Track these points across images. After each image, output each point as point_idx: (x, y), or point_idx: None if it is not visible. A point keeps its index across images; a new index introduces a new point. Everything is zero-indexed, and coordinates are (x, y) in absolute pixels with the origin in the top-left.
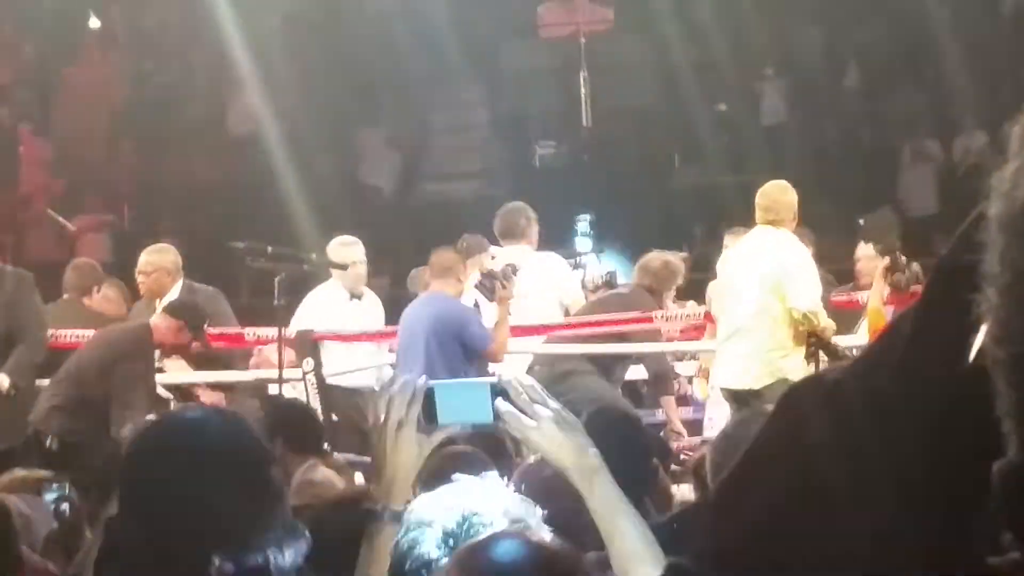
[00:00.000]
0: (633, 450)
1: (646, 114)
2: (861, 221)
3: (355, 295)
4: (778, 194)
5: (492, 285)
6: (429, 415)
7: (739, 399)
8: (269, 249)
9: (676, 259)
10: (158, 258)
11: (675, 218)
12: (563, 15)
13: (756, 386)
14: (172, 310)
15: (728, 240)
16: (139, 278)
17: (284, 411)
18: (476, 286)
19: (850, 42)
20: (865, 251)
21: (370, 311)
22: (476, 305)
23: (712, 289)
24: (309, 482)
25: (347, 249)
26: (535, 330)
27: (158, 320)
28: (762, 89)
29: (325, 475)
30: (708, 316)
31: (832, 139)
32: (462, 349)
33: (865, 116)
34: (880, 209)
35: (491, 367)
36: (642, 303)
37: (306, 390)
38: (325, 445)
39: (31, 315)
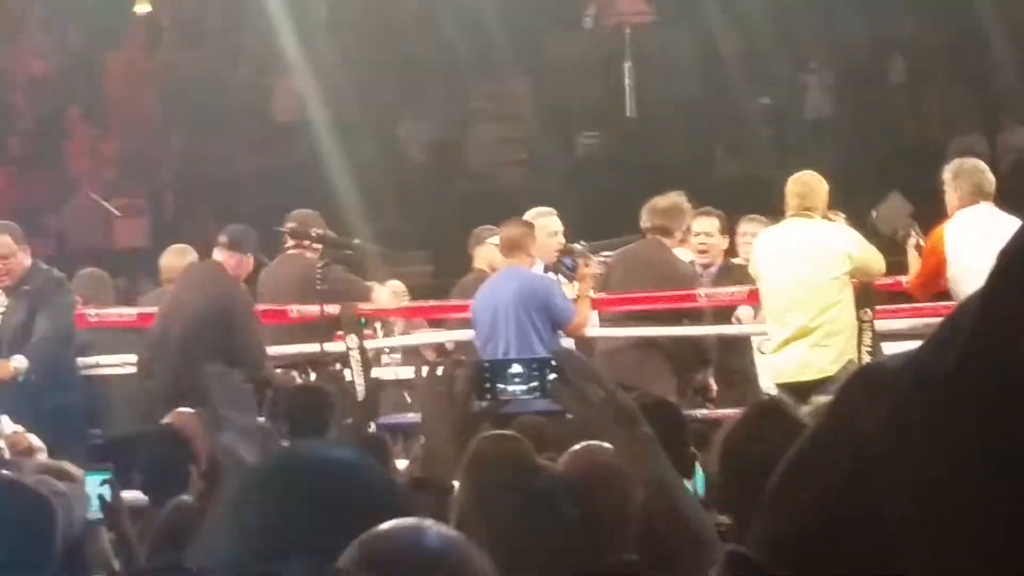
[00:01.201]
0: (674, 438)
1: (689, 105)
2: (874, 214)
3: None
4: (815, 183)
5: (573, 263)
6: (481, 392)
7: (804, 392)
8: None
9: (681, 198)
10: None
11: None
12: (608, 6)
13: (832, 370)
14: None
15: (746, 227)
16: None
17: (289, 395)
18: (552, 266)
19: (895, 36)
20: (705, 226)
21: None
22: None
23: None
24: None
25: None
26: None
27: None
28: (807, 82)
29: None
30: (752, 295)
31: (876, 134)
32: (550, 322)
33: (909, 111)
34: (890, 196)
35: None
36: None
37: (351, 367)
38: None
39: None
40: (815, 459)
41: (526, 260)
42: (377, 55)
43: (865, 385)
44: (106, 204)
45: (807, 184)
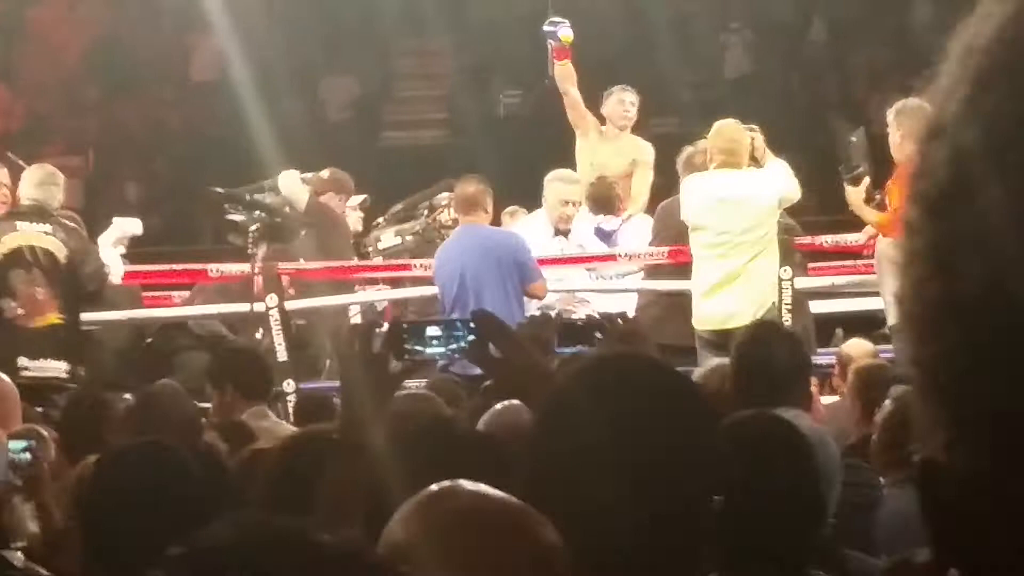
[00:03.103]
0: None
1: (612, 65)
2: (853, 139)
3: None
4: (738, 135)
5: None
6: (399, 352)
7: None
8: (247, 197)
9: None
10: None
11: None
12: None
13: (760, 314)
14: None
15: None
16: None
17: (233, 357)
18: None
19: None
20: None
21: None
22: None
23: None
24: (261, 428)
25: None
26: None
27: None
28: (728, 41)
29: (272, 421)
30: (673, 254)
31: (798, 91)
32: (519, 276)
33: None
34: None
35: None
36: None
37: (270, 327)
38: (279, 387)
39: None
40: None
41: (484, 217)
42: (299, 12)
43: None
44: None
45: (731, 139)
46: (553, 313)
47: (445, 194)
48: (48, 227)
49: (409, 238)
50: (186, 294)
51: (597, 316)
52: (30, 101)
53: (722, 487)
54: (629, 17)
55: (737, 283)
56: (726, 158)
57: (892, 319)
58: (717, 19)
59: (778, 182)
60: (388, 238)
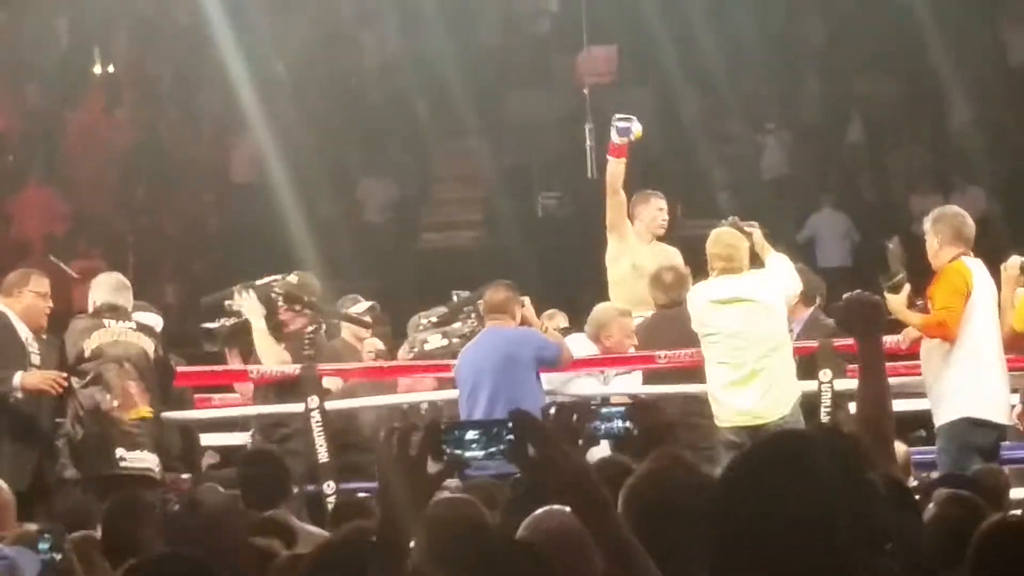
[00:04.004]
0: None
1: (650, 165)
2: (890, 246)
3: None
4: (736, 242)
5: None
6: (438, 454)
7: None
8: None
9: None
10: None
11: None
12: (573, 66)
13: (786, 412)
14: None
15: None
16: None
17: (248, 463)
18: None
19: (852, 95)
20: None
21: None
22: None
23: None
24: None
25: None
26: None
27: None
28: (764, 142)
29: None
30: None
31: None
32: (537, 371)
33: (868, 169)
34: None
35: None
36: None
37: (311, 428)
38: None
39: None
40: None
41: (509, 323)
42: (337, 114)
43: None
44: (64, 267)
45: (729, 245)
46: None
47: None
48: (133, 324)
49: (456, 340)
50: (228, 396)
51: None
52: (70, 204)
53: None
54: (665, 118)
55: (756, 382)
56: (725, 264)
57: (940, 420)
58: (753, 119)
59: (780, 280)
60: (435, 340)
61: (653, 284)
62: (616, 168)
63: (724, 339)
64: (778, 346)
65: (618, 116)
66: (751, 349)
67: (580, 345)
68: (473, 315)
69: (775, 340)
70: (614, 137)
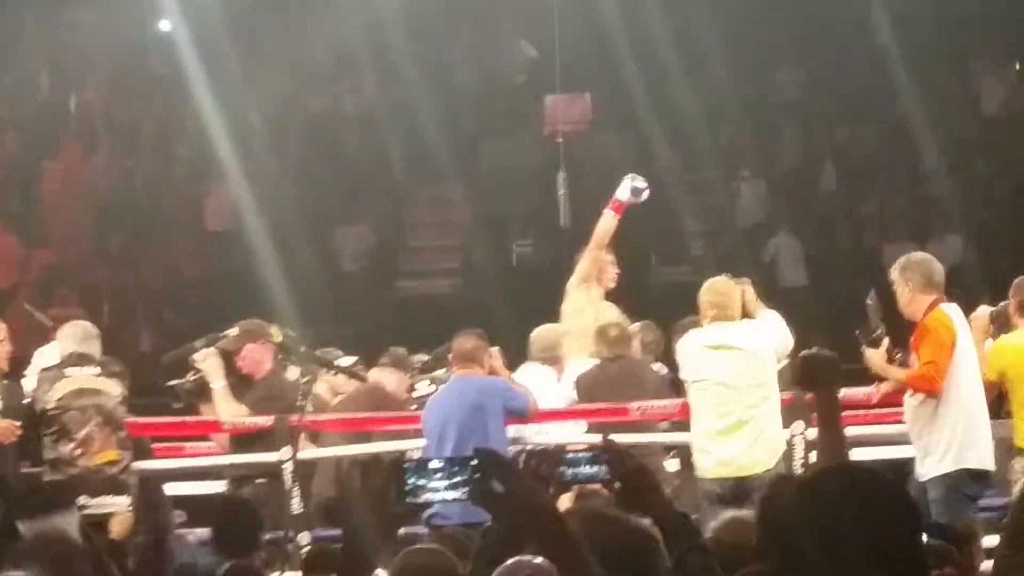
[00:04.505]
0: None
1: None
2: (869, 302)
3: None
4: (729, 291)
5: None
6: (401, 491)
7: (743, 487)
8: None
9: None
10: None
11: (652, 316)
12: (546, 115)
13: (771, 464)
14: None
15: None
16: None
17: (221, 511)
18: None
19: (827, 143)
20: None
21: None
22: None
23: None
24: None
25: None
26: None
27: None
28: (739, 189)
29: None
30: (685, 409)
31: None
32: (504, 421)
33: (843, 217)
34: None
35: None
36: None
37: (284, 479)
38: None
39: None
40: None
41: (478, 372)
42: (312, 161)
43: None
44: (37, 315)
45: (722, 294)
46: (554, 445)
47: None
48: (96, 369)
49: (444, 386)
50: (200, 445)
51: (597, 446)
52: (46, 252)
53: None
54: (639, 165)
55: (743, 432)
56: (718, 312)
57: (935, 471)
58: (728, 168)
59: (773, 334)
60: (423, 387)
61: (599, 338)
62: (611, 223)
63: (712, 386)
64: (767, 397)
65: (634, 176)
66: (740, 398)
67: (536, 374)
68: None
69: (764, 390)
70: (623, 194)
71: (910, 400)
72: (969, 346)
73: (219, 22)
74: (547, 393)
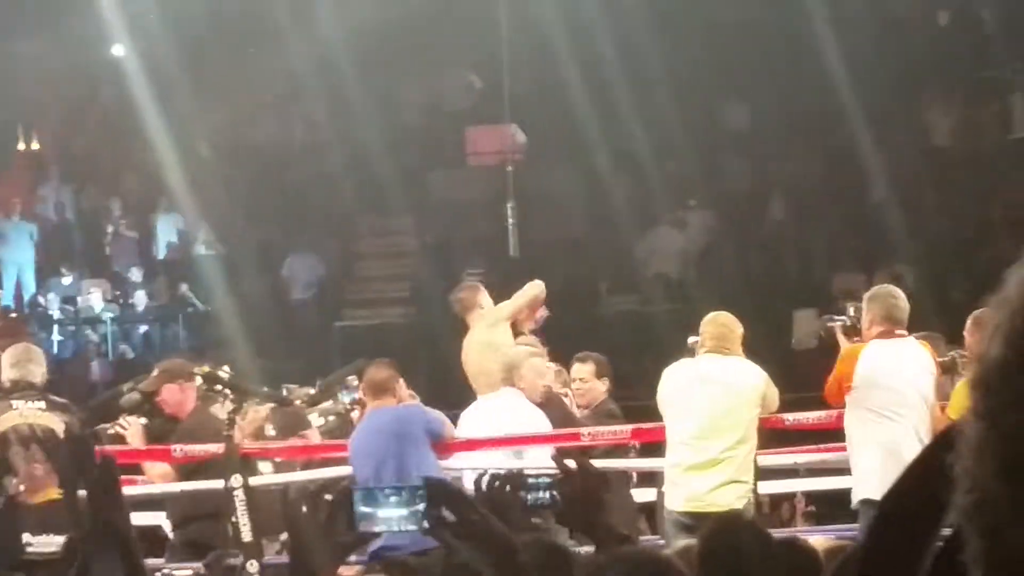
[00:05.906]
0: None
1: (573, 243)
2: (794, 341)
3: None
4: (732, 325)
5: None
6: (349, 520)
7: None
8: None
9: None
10: None
11: (601, 347)
12: (490, 143)
13: (739, 506)
14: None
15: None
16: None
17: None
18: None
19: (776, 174)
20: (581, 372)
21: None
22: None
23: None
24: None
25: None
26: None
27: None
28: (687, 219)
29: None
30: (635, 433)
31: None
32: (429, 445)
33: (791, 247)
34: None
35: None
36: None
37: (235, 507)
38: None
39: None
40: None
41: (391, 403)
42: (261, 192)
43: None
44: None
45: (725, 326)
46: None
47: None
48: (43, 404)
49: (332, 418)
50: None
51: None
52: None
53: None
54: (589, 195)
55: (716, 470)
56: (716, 343)
57: (860, 495)
58: (676, 198)
59: (765, 379)
60: (314, 419)
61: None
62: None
63: (695, 419)
64: (744, 440)
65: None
66: (719, 437)
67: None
68: (343, 391)
69: (742, 432)
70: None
71: (847, 427)
72: (882, 382)
73: (169, 52)
74: (532, 417)
